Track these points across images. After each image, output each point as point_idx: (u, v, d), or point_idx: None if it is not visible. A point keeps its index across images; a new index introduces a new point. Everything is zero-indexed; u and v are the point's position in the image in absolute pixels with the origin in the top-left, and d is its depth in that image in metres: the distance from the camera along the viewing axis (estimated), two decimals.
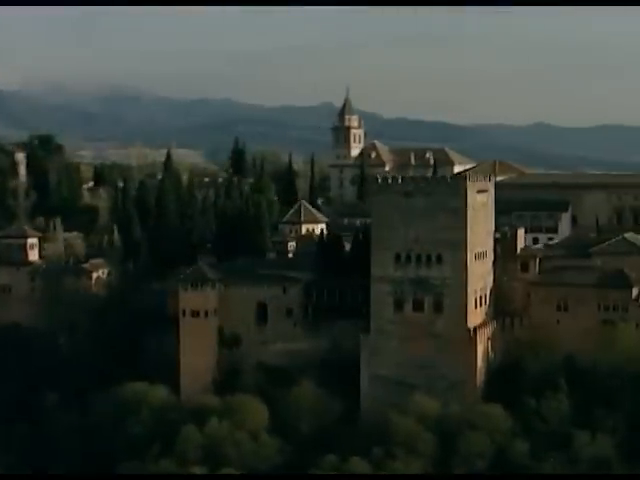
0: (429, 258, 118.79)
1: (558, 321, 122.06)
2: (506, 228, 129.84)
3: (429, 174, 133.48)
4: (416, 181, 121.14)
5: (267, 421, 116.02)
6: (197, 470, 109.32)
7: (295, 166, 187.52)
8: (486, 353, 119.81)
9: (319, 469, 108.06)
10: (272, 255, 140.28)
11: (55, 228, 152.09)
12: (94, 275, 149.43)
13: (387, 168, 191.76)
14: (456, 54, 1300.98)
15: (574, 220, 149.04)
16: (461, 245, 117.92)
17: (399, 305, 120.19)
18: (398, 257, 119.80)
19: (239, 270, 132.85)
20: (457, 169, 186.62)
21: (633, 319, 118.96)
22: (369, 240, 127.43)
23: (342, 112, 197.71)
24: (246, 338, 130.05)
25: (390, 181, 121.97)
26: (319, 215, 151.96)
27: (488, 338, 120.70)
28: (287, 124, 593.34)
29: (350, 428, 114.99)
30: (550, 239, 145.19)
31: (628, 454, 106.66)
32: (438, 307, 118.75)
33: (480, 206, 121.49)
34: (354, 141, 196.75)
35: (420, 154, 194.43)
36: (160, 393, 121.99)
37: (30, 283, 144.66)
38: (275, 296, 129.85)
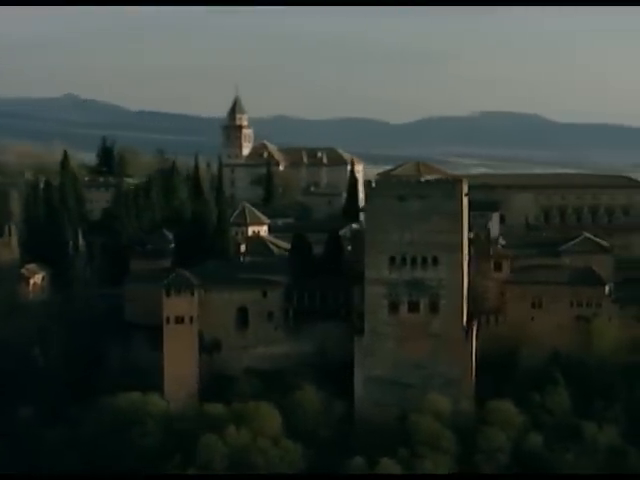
0: (424, 260, 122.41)
1: (533, 318, 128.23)
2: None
3: (423, 178, 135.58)
4: (410, 185, 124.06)
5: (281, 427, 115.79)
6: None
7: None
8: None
9: (350, 471, 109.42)
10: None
11: (10, 233, 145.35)
12: (31, 281, 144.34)
13: (281, 168, 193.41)
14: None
15: (502, 219, 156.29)
16: (457, 247, 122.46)
17: (394, 307, 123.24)
18: (393, 260, 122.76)
19: (213, 274, 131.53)
20: (356, 169, 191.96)
21: (606, 314, 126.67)
22: (340, 243, 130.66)
23: (232, 111, 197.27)
24: (226, 343, 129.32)
25: (384, 185, 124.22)
26: (263, 217, 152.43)
27: None
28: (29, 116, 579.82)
29: (363, 429, 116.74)
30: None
31: (635, 443, 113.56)
32: (434, 308, 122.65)
33: (465, 208, 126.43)
34: (245, 140, 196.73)
35: (312, 154, 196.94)
36: (160, 403, 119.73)
37: None
38: (256, 300, 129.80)
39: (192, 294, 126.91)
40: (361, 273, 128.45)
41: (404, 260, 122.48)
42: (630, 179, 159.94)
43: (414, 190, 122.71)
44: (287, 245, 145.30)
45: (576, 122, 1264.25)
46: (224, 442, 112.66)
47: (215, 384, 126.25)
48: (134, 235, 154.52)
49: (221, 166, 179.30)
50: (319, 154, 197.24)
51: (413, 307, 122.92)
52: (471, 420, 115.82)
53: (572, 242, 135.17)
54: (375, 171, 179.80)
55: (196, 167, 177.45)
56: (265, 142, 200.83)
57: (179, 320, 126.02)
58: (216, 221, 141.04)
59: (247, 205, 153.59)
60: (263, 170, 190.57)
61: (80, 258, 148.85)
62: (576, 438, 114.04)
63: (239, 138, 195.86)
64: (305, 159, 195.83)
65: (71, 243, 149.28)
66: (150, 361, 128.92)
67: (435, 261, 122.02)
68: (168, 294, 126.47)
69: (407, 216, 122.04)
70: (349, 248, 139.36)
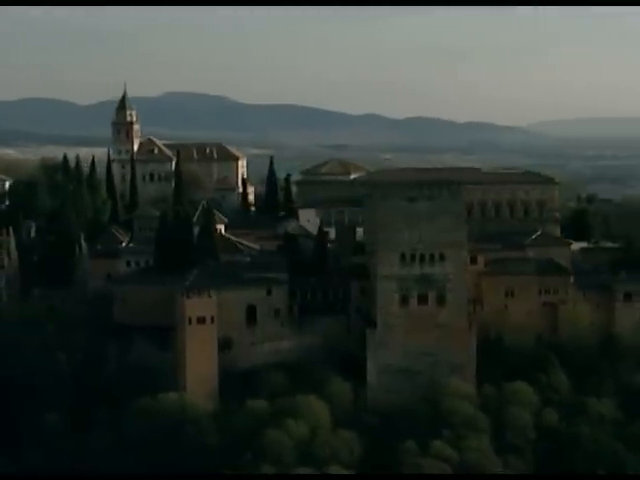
0: (432, 257, 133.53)
1: (506, 306, 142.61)
2: None
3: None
4: (420, 187, 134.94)
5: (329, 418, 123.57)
6: (302, 471, 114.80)
7: None
8: None
9: (406, 454, 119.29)
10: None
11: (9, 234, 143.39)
12: None
13: (173, 163, 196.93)
14: None
15: None
16: (461, 244, 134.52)
17: (405, 300, 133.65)
18: (403, 257, 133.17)
19: (220, 274, 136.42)
20: (241, 164, 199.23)
21: (571, 301, 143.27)
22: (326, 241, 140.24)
23: (122, 107, 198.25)
24: (237, 340, 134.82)
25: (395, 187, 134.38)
26: (221, 216, 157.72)
27: None
28: None
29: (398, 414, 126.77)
30: None
31: (632, 415, 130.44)
32: (441, 300, 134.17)
33: None
34: (135, 137, 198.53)
35: (201, 149, 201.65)
36: (200, 402, 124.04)
37: None
38: (263, 298, 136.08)
39: (210, 295, 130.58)
40: (348, 268, 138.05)
41: (413, 257, 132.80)
42: (543, 176, 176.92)
43: (423, 192, 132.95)
44: (249, 243, 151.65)
45: (263, 103, 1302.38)
46: (288, 436, 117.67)
47: (232, 380, 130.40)
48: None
49: (109, 162, 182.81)
50: (208, 150, 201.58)
51: (422, 300, 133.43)
52: (494, 401, 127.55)
53: (533, 236, 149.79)
54: None
55: (108, 164, 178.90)
56: (151, 138, 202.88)
57: (200, 320, 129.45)
58: (203, 222, 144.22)
59: (204, 203, 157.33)
60: (154, 166, 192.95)
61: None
62: (582, 413, 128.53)
63: (130, 134, 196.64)
64: (195, 155, 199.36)
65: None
66: (160, 361, 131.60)
67: (442, 257, 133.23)
68: (189, 295, 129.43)
69: (416, 216, 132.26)
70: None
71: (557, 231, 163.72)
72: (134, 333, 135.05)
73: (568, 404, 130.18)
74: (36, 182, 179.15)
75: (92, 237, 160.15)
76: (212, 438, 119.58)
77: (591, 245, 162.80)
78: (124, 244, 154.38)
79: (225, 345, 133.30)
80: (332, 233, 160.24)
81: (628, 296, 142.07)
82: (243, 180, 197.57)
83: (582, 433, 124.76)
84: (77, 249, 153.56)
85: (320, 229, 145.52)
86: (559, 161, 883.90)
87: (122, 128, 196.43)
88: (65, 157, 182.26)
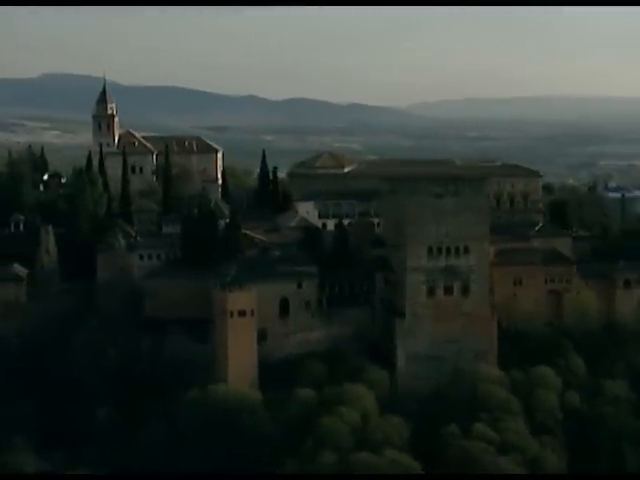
0: (457, 249, 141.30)
1: (515, 294, 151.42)
2: None
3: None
4: (446, 184, 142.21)
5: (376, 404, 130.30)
6: (362, 457, 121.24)
7: None
8: None
9: (450, 437, 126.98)
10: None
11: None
12: None
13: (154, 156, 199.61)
14: None
15: None
16: (484, 237, 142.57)
17: (432, 291, 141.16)
18: (430, 250, 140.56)
19: (253, 268, 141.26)
20: (215, 157, 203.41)
21: (574, 289, 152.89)
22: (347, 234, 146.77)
23: (102, 100, 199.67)
24: (271, 332, 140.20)
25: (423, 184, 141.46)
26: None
27: None
28: None
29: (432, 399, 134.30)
30: None
31: None
32: (465, 290, 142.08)
33: None
34: (116, 129, 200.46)
35: (180, 142, 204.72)
36: (252, 393, 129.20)
37: None
38: (295, 291, 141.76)
39: (251, 289, 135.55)
40: (371, 260, 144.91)
41: (440, 250, 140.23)
42: (527, 169, 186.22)
43: (448, 189, 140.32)
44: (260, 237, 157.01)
45: (141, 84, 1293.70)
46: (342, 423, 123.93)
47: (268, 371, 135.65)
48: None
49: (102, 156, 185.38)
50: (187, 143, 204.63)
51: (448, 290, 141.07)
52: (521, 385, 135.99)
53: (536, 228, 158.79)
54: None
55: (101, 159, 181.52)
56: (130, 130, 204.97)
57: (241, 314, 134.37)
58: (229, 217, 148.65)
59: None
60: (135, 159, 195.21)
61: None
62: (599, 394, 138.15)
63: (111, 127, 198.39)
64: (175, 148, 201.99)
65: None
66: (196, 354, 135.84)
67: (466, 250, 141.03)
68: (231, 290, 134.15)
69: (443, 211, 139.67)
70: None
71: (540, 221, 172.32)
72: (168, 327, 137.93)
73: (585, 386, 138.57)
74: (21, 174, 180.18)
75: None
76: (269, 427, 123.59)
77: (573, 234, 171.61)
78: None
79: (260, 337, 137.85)
80: (330, 225, 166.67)
81: (627, 283, 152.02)
82: (223, 172, 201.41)
83: (606, 413, 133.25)
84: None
85: (339, 223, 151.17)
86: (441, 142, 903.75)
87: (103, 121, 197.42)
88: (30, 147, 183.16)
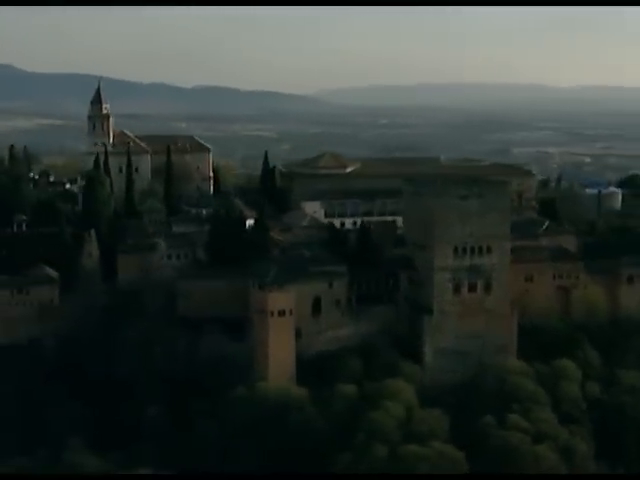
0: (480, 249, 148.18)
1: (527, 290, 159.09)
2: None
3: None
4: (471, 186, 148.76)
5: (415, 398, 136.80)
6: (411, 449, 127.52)
7: None
8: None
9: (487, 428, 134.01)
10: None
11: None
12: None
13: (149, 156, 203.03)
14: None
15: None
16: (506, 237, 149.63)
17: (457, 289, 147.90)
18: (456, 249, 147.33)
19: (287, 268, 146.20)
20: (208, 156, 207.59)
21: (582, 284, 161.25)
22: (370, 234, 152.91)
23: (97, 100, 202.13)
24: (305, 330, 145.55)
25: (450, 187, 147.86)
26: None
27: None
28: None
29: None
30: None
31: None
32: (488, 288, 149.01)
33: None
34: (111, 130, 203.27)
35: (174, 141, 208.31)
36: (299, 390, 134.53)
37: None
38: (327, 290, 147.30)
39: (289, 289, 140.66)
40: (394, 259, 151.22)
41: (465, 249, 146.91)
42: (521, 169, 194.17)
43: (473, 191, 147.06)
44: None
45: (50, 72, 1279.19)
46: (389, 417, 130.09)
47: (303, 367, 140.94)
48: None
49: (107, 156, 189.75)
50: (180, 142, 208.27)
51: (472, 288, 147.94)
52: (546, 377, 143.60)
53: (543, 226, 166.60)
54: None
55: (106, 158, 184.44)
56: (124, 130, 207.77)
57: (281, 313, 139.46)
58: (258, 216, 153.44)
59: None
60: (131, 158, 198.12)
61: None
62: (615, 384, 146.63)
63: (107, 127, 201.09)
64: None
65: None
66: (234, 352, 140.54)
67: (489, 249, 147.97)
68: (271, 290, 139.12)
69: (468, 212, 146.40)
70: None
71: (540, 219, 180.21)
72: (204, 326, 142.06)
73: (602, 377, 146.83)
74: (20, 174, 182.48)
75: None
76: (319, 423, 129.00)
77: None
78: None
79: (296, 335, 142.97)
80: (336, 223, 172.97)
81: (631, 279, 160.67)
82: (214, 171, 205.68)
83: (626, 402, 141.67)
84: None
85: (362, 222, 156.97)
86: (352, 129, 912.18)
87: (98, 121, 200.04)
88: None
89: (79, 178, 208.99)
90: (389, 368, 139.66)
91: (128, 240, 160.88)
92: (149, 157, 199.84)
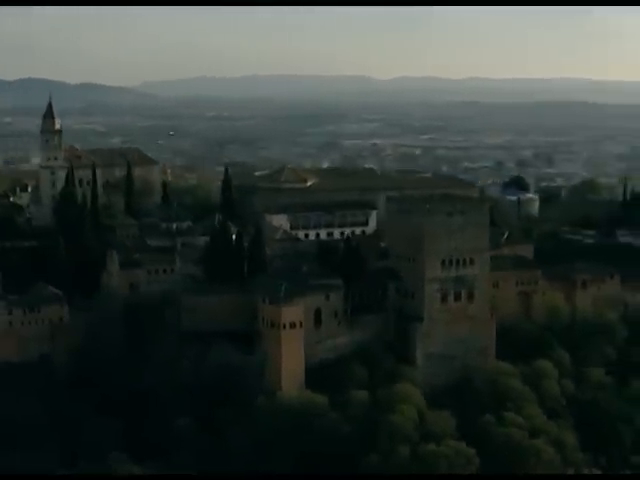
0: (464, 261, 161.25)
1: (493, 296, 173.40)
2: None
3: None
4: (454, 204, 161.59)
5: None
6: (430, 448, 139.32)
7: None
8: None
9: (487, 425, 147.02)
10: None
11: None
12: None
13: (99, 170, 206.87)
14: None
15: None
16: (485, 249, 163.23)
17: (444, 298, 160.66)
18: (443, 262, 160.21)
19: (289, 282, 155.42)
20: (156, 169, 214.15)
21: (541, 290, 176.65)
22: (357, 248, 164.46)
23: (50, 115, 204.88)
24: (306, 341, 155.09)
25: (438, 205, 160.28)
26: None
27: None
28: None
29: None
30: (363, 232, 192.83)
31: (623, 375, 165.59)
32: (471, 296, 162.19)
33: None
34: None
35: (121, 155, 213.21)
36: (317, 397, 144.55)
37: None
38: (325, 302, 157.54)
39: (299, 302, 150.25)
40: (381, 271, 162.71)
41: (451, 262, 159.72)
42: (462, 180, 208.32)
43: (457, 208, 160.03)
44: None
45: None
46: (404, 418, 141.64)
47: (316, 372, 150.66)
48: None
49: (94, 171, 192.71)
50: (128, 155, 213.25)
51: (457, 297, 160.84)
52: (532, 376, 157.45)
53: (504, 236, 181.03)
54: None
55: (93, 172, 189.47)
56: (72, 145, 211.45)
57: (292, 325, 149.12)
58: (254, 233, 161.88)
59: None
60: (82, 172, 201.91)
61: None
62: (585, 381, 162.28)
63: (59, 141, 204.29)
64: (117, 160, 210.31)
65: None
66: (243, 364, 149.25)
67: (471, 261, 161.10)
68: (284, 304, 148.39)
69: (453, 228, 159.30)
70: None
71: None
72: (210, 339, 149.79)
73: (573, 375, 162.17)
74: None
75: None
76: (344, 427, 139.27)
77: None
78: None
79: None
80: (300, 235, 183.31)
81: (584, 284, 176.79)
82: (164, 183, 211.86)
83: (599, 398, 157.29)
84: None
85: (348, 237, 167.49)
86: (181, 122, 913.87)
87: (51, 137, 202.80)
88: None
89: (18, 190, 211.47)
90: (390, 373, 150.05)
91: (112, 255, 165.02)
92: (99, 171, 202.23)
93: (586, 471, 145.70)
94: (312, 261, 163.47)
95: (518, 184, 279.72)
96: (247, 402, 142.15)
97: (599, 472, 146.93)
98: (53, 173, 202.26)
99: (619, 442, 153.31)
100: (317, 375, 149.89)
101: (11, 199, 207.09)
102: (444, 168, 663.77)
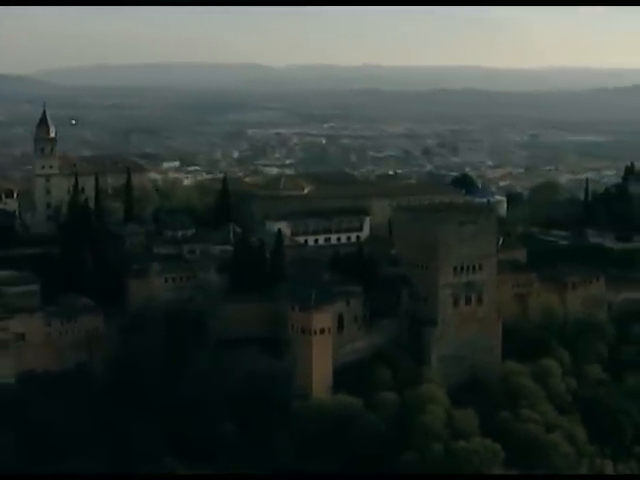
0: (474, 267, 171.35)
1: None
2: None
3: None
4: (467, 213, 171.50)
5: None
6: (461, 445, 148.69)
7: None
8: None
9: (505, 421, 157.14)
10: None
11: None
12: None
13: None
14: None
15: None
16: (493, 255, 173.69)
17: (456, 302, 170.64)
18: (455, 268, 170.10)
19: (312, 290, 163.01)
20: (153, 175, 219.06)
21: (535, 292, 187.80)
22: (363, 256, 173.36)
23: (44, 124, 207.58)
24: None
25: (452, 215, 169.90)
26: None
27: None
28: None
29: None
30: (357, 237, 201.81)
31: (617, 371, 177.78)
32: (480, 300, 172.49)
33: None
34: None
35: (113, 162, 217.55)
36: (355, 400, 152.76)
37: None
38: (346, 308, 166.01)
39: (328, 309, 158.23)
40: (393, 277, 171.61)
41: (462, 268, 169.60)
42: (448, 186, 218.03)
43: (469, 217, 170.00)
44: None
45: None
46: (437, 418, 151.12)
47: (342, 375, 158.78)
48: None
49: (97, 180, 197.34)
50: (120, 163, 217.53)
51: (467, 301, 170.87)
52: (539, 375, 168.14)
53: (500, 242, 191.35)
54: None
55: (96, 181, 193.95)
56: (66, 153, 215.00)
57: (322, 331, 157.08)
58: (275, 244, 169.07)
59: None
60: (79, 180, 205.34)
61: None
62: (584, 378, 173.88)
63: (53, 150, 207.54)
64: (109, 168, 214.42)
65: None
66: (274, 369, 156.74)
67: (480, 267, 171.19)
68: (315, 311, 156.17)
69: (464, 236, 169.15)
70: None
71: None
72: (238, 346, 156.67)
73: (573, 373, 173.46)
74: None
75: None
76: (382, 428, 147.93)
77: None
78: None
79: None
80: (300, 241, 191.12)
81: (574, 285, 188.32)
82: (154, 191, 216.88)
83: (600, 394, 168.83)
84: None
85: (360, 244, 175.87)
86: (82, 111, 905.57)
87: (46, 144, 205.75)
88: None
89: (3, 196, 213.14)
90: (411, 374, 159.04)
91: (133, 265, 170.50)
92: (94, 178, 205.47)
93: (599, 462, 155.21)
94: (322, 267, 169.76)
95: (464, 182, 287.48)
96: (282, 406, 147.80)
97: (610, 463, 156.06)
98: (48, 180, 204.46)
99: (621, 434, 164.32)
100: (340, 378, 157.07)
101: None
102: (352, 157, 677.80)
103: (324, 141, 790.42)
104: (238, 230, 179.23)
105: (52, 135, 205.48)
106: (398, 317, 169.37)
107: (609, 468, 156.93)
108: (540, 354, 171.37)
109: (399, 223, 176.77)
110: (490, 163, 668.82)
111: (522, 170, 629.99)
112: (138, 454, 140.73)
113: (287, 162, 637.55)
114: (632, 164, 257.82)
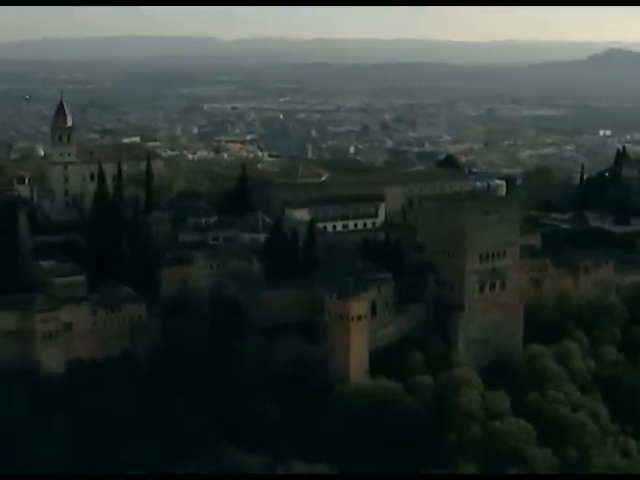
0: (498, 254, 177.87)
1: None
2: None
3: None
4: (490, 202, 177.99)
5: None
6: (497, 425, 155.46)
7: None
8: None
9: (533, 402, 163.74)
10: None
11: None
12: None
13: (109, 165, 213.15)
14: None
15: None
16: (516, 243, 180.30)
17: (482, 288, 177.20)
18: (481, 256, 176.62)
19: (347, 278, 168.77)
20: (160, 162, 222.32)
21: (549, 277, 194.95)
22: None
23: (62, 112, 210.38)
24: None
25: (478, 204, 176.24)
26: None
27: None
28: None
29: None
30: (373, 223, 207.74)
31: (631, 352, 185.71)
32: (503, 285, 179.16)
33: None
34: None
35: (128, 149, 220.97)
36: (394, 384, 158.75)
37: None
38: (379, 294, 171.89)
39: (365, 296, 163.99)
40: (420, 264, 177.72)
41: (487, 255, 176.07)
42: (459, 171, 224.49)
43: (493, 206, 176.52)
44: None
45: None
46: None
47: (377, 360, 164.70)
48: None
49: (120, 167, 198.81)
50: (136, 150, 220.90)
51: (492, 287, 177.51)
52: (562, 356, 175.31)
53: None
54: None
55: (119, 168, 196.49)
56: (81, 141, 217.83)
57: (359, 318, 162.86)
58: (307, 233, 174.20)
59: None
60: (95, 167, 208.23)
61: None
62: (601, 360, 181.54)
63: (71, 138, 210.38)
64: (125, 154, 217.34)
65: None
66: (311, 354, 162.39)
67: (504, 254, 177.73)
68: (353, 298, 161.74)
69: (489, 225, 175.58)
70: None
71: None
72: (279, 332, 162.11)
73: (591, 354, 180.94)
74: None
75: None
76: (423, 410, 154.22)
77: None
78: None
79: None
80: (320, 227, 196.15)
81: (586, 269, 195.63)
82: (170, 177, 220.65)
83: (619, 374, 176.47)
84: None
85: (387, 233, 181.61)
86: (35, 86, 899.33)
87: (64, 133, 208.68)
88: None
89: (15, 182, 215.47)
90: (442, 358, 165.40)
91: (166, 253, 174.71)
92: (109, 166, 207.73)
93: (622, 439, 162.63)
94: (350, 254, 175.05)
95: (450, 165, 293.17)
96: (324, 390, 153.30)
97: (633, 441, 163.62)
98: (65, 168, 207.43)
99: None
100: (374, 362, 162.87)
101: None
102: (313, 133, 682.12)
103: (282, 116, 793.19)
104: (267, 218, 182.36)
105: (69, 124, 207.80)
106: (425, 303, 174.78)
107: (632, 445, 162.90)
108: (559, 337, 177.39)
109: (425, 212, 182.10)
110: (448, 137, 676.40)
111: (482, 145, 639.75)
112: (193, 437, 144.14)
113: (248, 137, 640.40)
114: (624, 148, 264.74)
